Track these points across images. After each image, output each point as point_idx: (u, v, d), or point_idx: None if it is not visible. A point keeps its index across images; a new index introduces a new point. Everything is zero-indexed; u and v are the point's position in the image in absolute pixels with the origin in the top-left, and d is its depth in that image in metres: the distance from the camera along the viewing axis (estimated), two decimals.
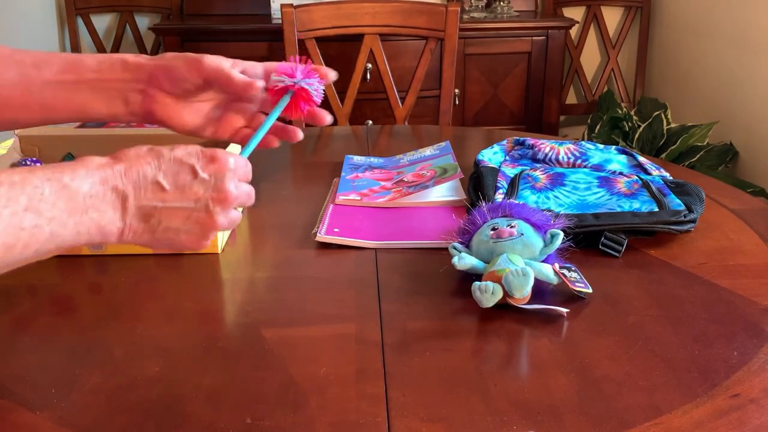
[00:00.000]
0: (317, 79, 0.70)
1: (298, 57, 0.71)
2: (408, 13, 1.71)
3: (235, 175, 0.59)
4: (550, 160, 1.04)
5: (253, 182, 1.08)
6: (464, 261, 0.75)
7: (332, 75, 0.72)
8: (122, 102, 0.69)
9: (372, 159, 1.18)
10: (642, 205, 0.88)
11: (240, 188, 0.60)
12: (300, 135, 0.74)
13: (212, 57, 0.69)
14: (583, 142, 1.08)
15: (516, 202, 0.86)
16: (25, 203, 0.49)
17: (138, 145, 0.58)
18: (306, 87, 0.69)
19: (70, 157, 1.00)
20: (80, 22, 2.70)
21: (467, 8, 2.71)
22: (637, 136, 2.39)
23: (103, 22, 2.77)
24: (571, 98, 2.98)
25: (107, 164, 0.55)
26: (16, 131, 1.00)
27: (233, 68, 0.70)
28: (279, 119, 0.71)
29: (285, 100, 0.69)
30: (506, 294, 0.70)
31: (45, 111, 0.68)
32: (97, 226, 0.53)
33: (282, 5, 1.68)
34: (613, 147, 1.07)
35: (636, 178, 0.95)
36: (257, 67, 0.72)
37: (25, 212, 0.49)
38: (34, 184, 0.50)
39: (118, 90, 0.69)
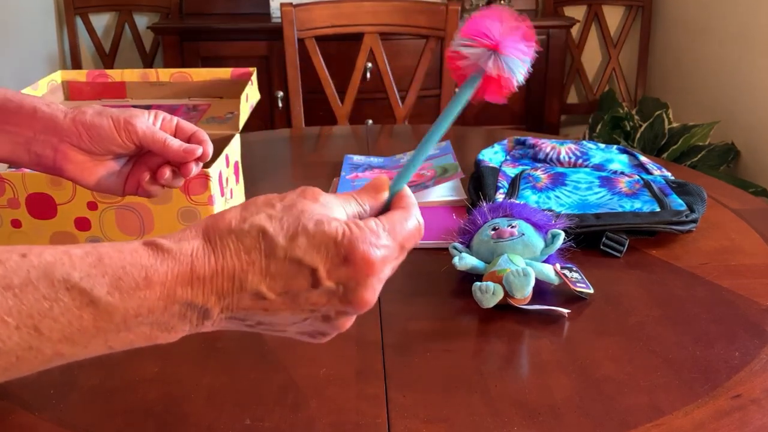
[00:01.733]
0: (524, 46, 0.46)
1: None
2: (408, 12, 1.71)
3: (382, 272, 0.41)
4: (551, 159, 1.03)
5: (253, 182, 1.08)
6: (465, 261, 0.75)
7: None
8: (25, 151, 0.62)
9: (372, 159, 1.18)
10: (643, 205, 0.88)
11: (385, 277, 0.42)
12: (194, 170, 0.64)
13: (142, 119, 0.63)
14: (584, 142, 1.07)
15: (517, 202, 0.85)
16: (18, 320, 0.34)
17: (248, 208, 0.41)
18: (507, 66, 0.45)
19: None
20: (79, 21, 2.70)
21: (467, 7, 2.70)
22: (638, 135, 2.38)
23: (101, 21, 2.77)
24: (572, 98, 2.98)
25: (181, 270, 0.38)
26: None
27: (160, 127, 0.64)
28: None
29: (470, 87, 0.47)
30: (507, 294, 0.70)
31: None
32: (145, 338, 0.39)
33: (281, 4, 1.68)
34: (615, 147, 1.07)
35: (637, 177, 0.95)
36: (175, 122, 0.65)
37: (17, 330, 0.34)
38: (41, 293, 0.34)
39: (23, 137, 0.61)
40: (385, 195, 0.45)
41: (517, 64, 0.45)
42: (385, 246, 0.41)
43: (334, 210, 0.41)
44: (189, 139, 0.65)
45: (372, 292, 0.41)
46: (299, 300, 0.40)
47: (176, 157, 0.63)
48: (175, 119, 0.65)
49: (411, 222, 0.43)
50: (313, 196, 0.41)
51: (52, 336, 0.35)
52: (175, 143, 0.63)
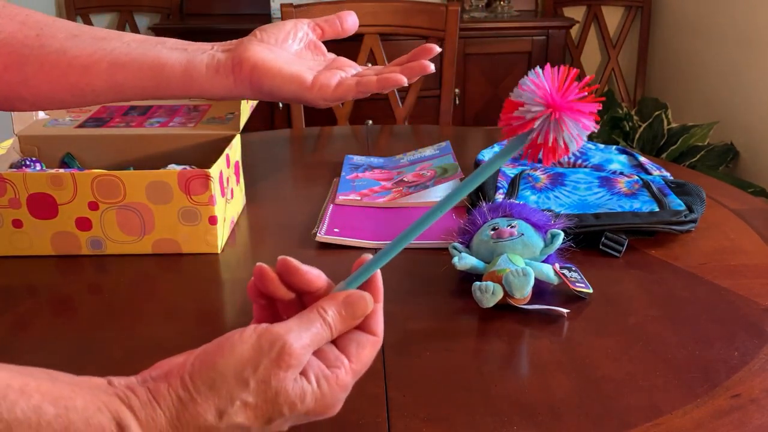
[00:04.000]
0: (585, 119, 0.39)
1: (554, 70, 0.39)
2: (408, 12, 1.71)
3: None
4: None
5: (253, 182, 1.08)
6: (464, 261, 0.75)
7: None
8: (203, 56, 0.58)
9: (372, 159, 1.18)
10: (642, 205, 0.88)
11: None
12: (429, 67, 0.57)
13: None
14: None
15: (516, 202, 0.85)
16: None
17: (220, 392, 0.39)
18: (566, 126, 0.38)
19: (69, 157, 1.00)
20: (80, 21, 2.70)
21: (467, 8, 2.70)
22: (637, 135, 2.39)
23: (102, 21, 2.77)
24: None
25: None
26: (16, 131, 1.00)
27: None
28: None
29: (515, 145, 0.41)
30: (506, 294, 0.70)
31: (112, 70, 0.57)
32: None
33: (282, 5, 1.68)
34: (614, 147, 1.07)
35: (636, 178, 0.95)
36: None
37: None
38: None
39: (201, 49, 0.59)
40: (361, 317, 0.44)
41: (571, 137, 0.39)
42: (349, 389, 0.43)
43: (304, 365, 0.41)
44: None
45: None
46: None
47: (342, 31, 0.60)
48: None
49: (376, 348, 0.44)
50: (288, 363, 0.39)
51: None
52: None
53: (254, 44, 0.58)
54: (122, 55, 0.57)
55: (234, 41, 0.60)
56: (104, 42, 0.58)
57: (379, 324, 0.45)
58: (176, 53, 0.58)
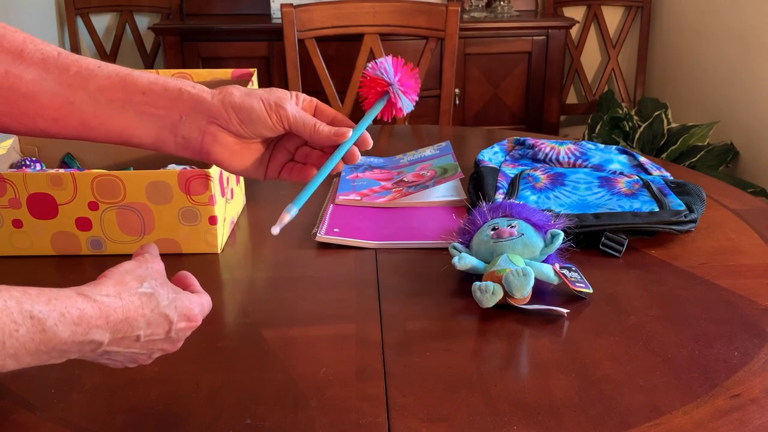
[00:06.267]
0: (414, 83, 0.67)
1: (390, 58, 0.66)
2: (408, 12, 1.71)
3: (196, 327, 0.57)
4: (550, 160, 1.04)
5: (253, 182, 1.08)
6: (464, 261, 0.75)
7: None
8: (171, 134, 0.60)
9: (372, 159, 1.18)
10: (642, 205, 0.88)
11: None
12: (369, 142, 0.64)
13: (290, 102, 0.61)
14: (583, 142, 1.07)
15: (516, 202, 0.85)
16: None
17: (131, 273, 0.53)
18: (400, 94, 0.66)
19: (69, 157, 1.00)
20: (80, 22, 2.70)
21: (467, 8, 2.70)
22: (637, 136, 2.39)
23: (102, 21, 2.77)
24: (572, 98, 2.98)
25: (101, 315, 0.48)
26: None
27: (302, 108, 0.62)
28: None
29: (379, 106, 0.66)
30: (506, 294, 0.70)
31: (82, 128, 0.59)
32: (48, 361, 0.48)
33: (282, 5, 1.68)
34: (614, 147, 1.07)
35: (636, 178, 0.95)
36: (315, 104, 0.64)
37: None
38: (13, 318, 0.43)
39: (169, 120, 0.59)
40: (152, 251, 0.59)
41: (405, 101, 0.67)
42: (203, 315, 0.57)
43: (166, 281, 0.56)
44: (331, 122, 0.63)
45: (184, 339, 0.56)
46: (149, 344, 0.53)
47: (326, 141, 0.61)
48: (315, 101, 0.63)
49: (203, 297, 0.58)
50: (157, 270, 0.55)
51: (7, 351, 0.43)
52: (325, 129, 0.61)
53: (223, 137, 0.60)
54: (90, 116, 0.59)
55: (214, 100, 0.60)
56: (71, 91, 0.58)
57: (198, 287, 0.59)
58: (144, 124, 0.59)
